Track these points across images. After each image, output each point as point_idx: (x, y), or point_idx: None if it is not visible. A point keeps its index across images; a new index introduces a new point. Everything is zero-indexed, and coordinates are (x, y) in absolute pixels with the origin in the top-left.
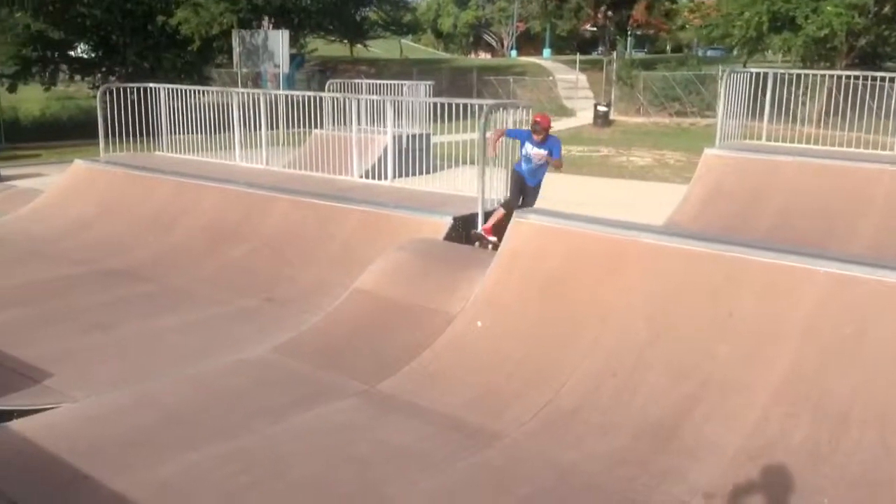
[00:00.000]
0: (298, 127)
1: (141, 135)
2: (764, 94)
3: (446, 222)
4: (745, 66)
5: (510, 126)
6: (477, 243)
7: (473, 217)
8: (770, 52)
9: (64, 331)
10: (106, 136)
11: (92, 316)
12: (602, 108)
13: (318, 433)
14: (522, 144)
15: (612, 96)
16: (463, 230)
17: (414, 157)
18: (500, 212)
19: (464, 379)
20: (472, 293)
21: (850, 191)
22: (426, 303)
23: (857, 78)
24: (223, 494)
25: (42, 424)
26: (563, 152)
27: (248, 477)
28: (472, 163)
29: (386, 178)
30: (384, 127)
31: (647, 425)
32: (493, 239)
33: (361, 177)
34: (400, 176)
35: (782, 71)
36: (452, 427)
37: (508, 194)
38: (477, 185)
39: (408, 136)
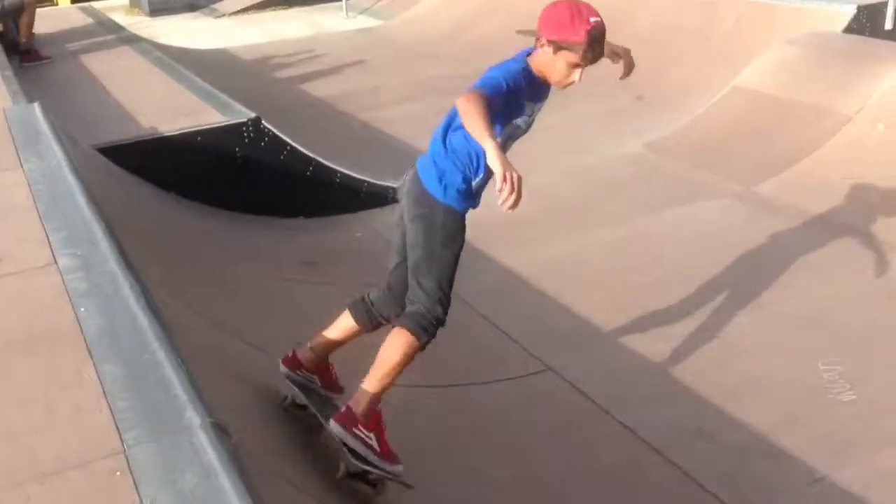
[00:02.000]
0: None
1: None
2: None
3: (847, 12)
4: None
5: None
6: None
7: (881, 7)
8: None
9: None
10: None
11: None
12: None
13: (691, 229)
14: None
15: None
16: (868, 22)
17: None
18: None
19: (858, 187)
20: (875, 92)
21: None
22: (817, 101)
23: None
24: (616, 274)
25: None
26: None
27: (626, 262)
28: None
29: None
30: None
31: None
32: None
33: None
34: None
35: None
36: (843, 235)
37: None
38: None
39: None
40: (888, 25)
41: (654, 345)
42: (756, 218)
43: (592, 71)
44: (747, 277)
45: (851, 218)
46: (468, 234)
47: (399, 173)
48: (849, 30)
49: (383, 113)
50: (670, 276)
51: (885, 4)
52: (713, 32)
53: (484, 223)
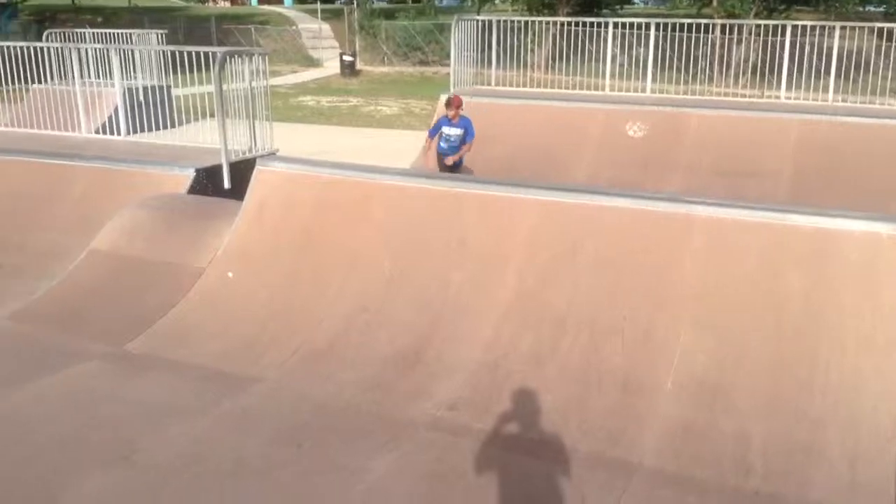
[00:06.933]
0: (16, 83)
1: None
2: (492, 42)
3: (188, 175)
4: (478, 14)
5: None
6: None
7: (217, 169)
8: (499, 1)
9: None
10: None
11: None
12: (348, 59)
13: (63, 397)
14: (439, 129)
15: (357, 46)
16: (208, 182)
17: (151, 110)
18: None
19: (218, 331)
20: (220, 245)
21: (570, 128)
22: (172, 258)
23: (576, 24)
24: None
25: None
26: (342, 107)
27: None
28: (213, 115)
29: (119, 133)
30: (113, 79)
31: (394, 354)
32: None
33: (97, 132)
34: (137, 131)
35: (506, 18)
36: (208, 378)
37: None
38: (219, 136)
39: (143, 89)
40: (227, 185)
41: None
42: (129, 375)
43: None
44: (123, 434)
45: (216, 361)
46: None
47: None
48: (192, 190)
49: None
50: (40, 448)
51: (220, 167)
52: (68, 195)
53: None
